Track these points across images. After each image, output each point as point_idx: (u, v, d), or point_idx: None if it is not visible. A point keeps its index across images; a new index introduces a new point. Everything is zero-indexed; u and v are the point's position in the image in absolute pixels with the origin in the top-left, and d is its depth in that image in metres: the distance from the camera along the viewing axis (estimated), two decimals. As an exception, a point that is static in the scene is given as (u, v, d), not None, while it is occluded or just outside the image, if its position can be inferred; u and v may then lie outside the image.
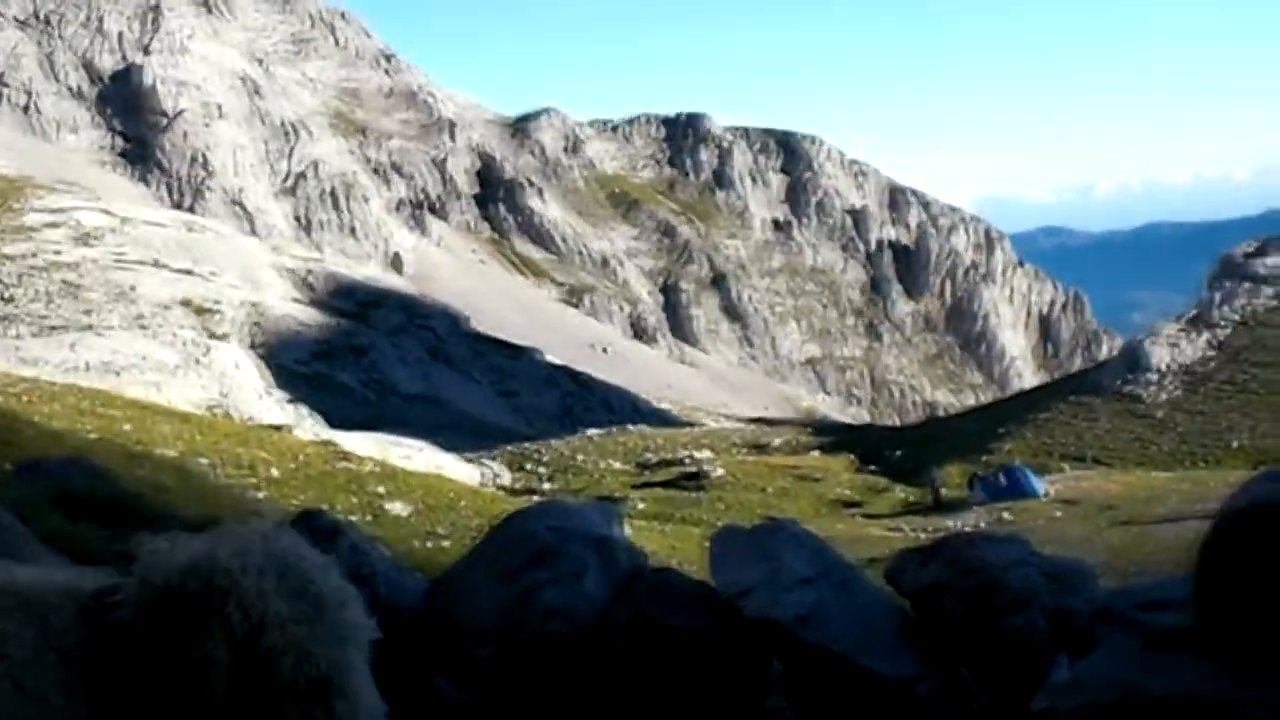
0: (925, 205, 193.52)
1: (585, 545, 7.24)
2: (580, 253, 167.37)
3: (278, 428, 45.57)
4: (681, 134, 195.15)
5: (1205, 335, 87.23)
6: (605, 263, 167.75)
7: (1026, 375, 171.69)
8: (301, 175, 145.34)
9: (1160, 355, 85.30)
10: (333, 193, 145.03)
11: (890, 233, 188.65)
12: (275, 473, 35.19)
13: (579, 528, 7.39)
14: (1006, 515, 49.12)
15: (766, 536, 7.41)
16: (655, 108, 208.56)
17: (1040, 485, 55.05)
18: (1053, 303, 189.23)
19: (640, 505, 56.66)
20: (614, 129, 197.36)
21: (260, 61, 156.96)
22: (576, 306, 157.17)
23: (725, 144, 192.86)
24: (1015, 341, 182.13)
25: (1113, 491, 54.96)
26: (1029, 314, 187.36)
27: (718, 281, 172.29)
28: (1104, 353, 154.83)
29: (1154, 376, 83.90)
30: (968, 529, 47.26)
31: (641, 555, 7.70)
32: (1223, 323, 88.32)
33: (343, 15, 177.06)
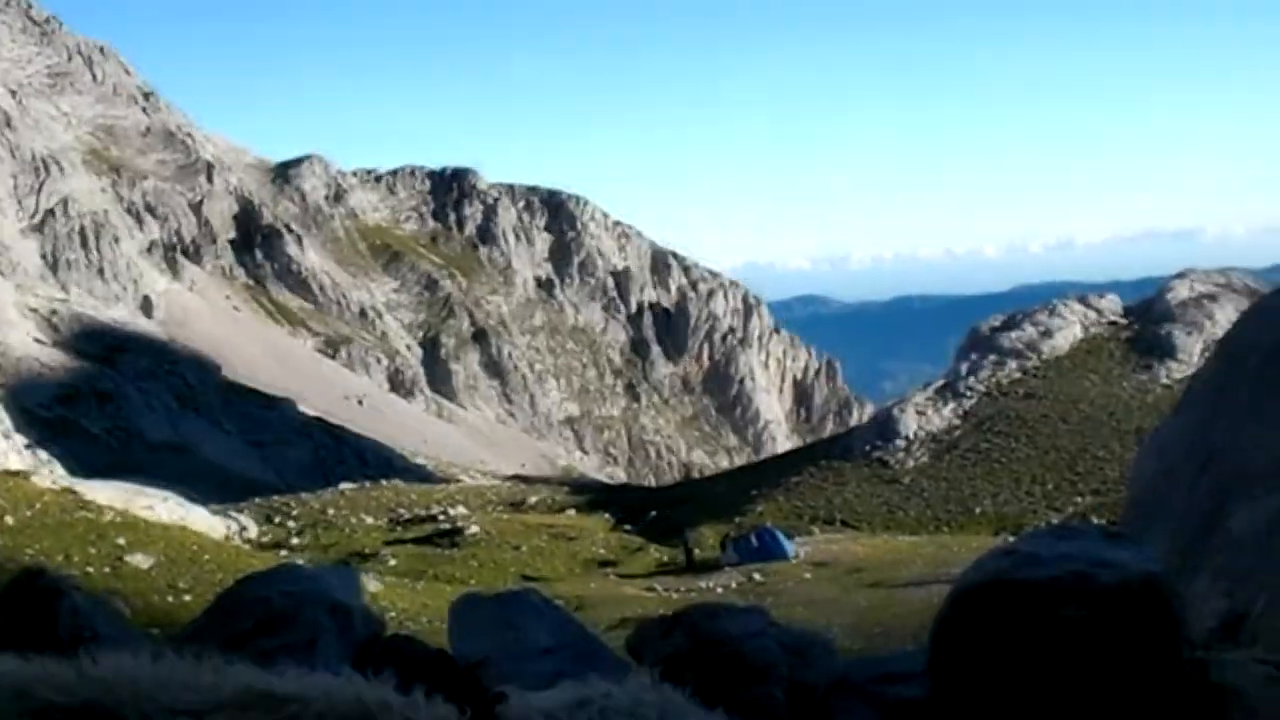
0: (687, 269, 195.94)
1: (320, 611, 6.97)
2: (339, 303, 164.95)
3: (16, 474, 43.66)
4: (448, 188, 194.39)
5: (953, 405, 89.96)
6: (365, 314, 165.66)
7: (781, 439, 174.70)
8: (51, 212, 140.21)
9: (909, 423, 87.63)
10: (83, 231, 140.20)
11: (652, 295, 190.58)
12: (11, 521, 33.76)
13: (315, 593, 7.12)
14: (758, 576, 49.67)
15: (507, 605, 7.25)
16: (422, 160, 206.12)
17: (791, 547, 55.80)
18: (808, 369, 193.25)
19: (393, 562, 55.85)
20: (379, 179, 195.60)
21: (14, 93, 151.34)
22: (334, 357, 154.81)
23: (491, 200, 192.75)
24: (771, 406, 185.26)
25: (861, 554, 56.04)
26: (785, 379, 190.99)
27: (479, 337, 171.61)
28: (856, 419, 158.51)
29: (903, 443, 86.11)
30: (720, 590, 47.69)
31: (379, 621, 7.45)
32: (969, 393, 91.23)
33: (102, 50, 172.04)
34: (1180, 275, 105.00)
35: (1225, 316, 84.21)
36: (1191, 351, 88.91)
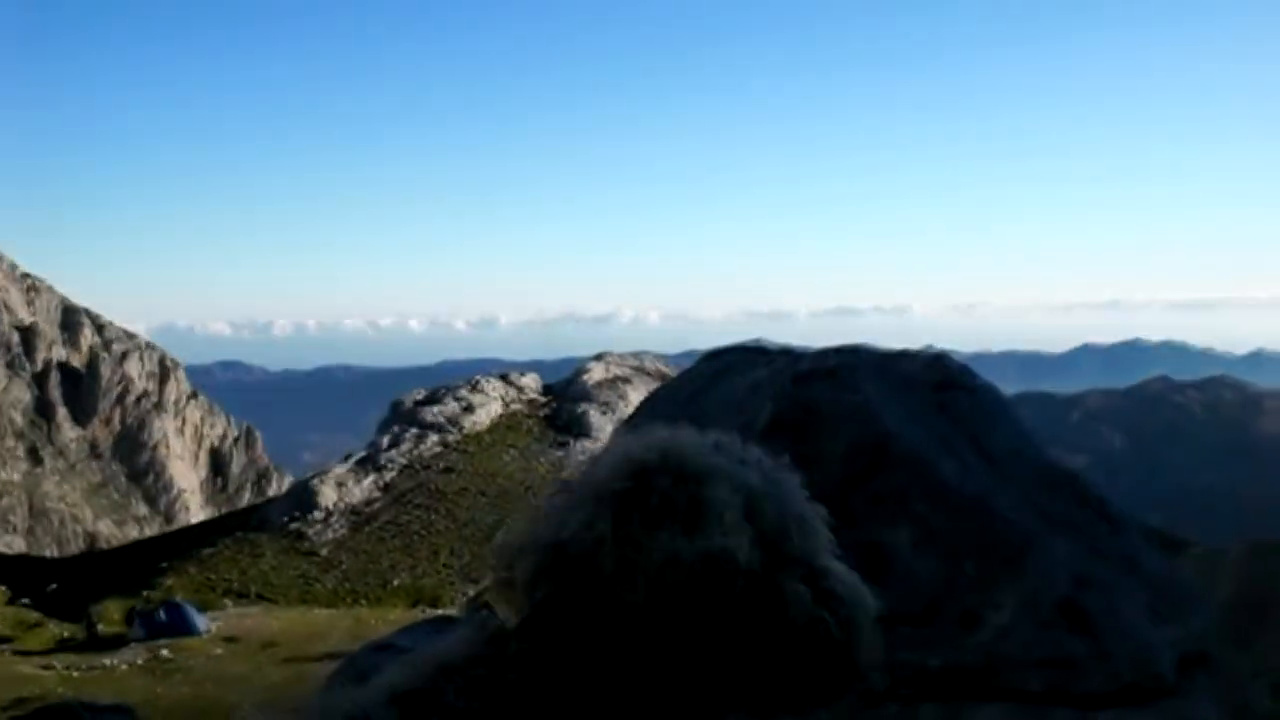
0: (100, 328, 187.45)
1: None
2: None
3: None
4: None
5: (373, 477, 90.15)
6: None
7: (195, 509, 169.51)
8: None
9: (328, 495, 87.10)
10: None
11: (61, 353, 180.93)
12: None
13: None
14: (166, 652, 47.84)
15: None
16: None
17: (202, 621, 54.12)
18: (225, 437, 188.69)
19: None
20: None
21: None
22: None
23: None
24: (185, 474, 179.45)
25: (276, 628, 55.11)
26: (201, 447, 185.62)
27: None
28: (275, 490, 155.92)
29: (321, 515, 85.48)
30: (125, 666, 45.64)
31: None
32: (390, 466, 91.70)
33: None
34: (597, 357, 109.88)
35: (637, 397, 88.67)
36: (605, 430, 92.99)
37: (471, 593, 74.75)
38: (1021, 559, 8.63)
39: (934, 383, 11.16)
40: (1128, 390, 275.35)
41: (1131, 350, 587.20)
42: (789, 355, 11.08)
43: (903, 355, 11.58)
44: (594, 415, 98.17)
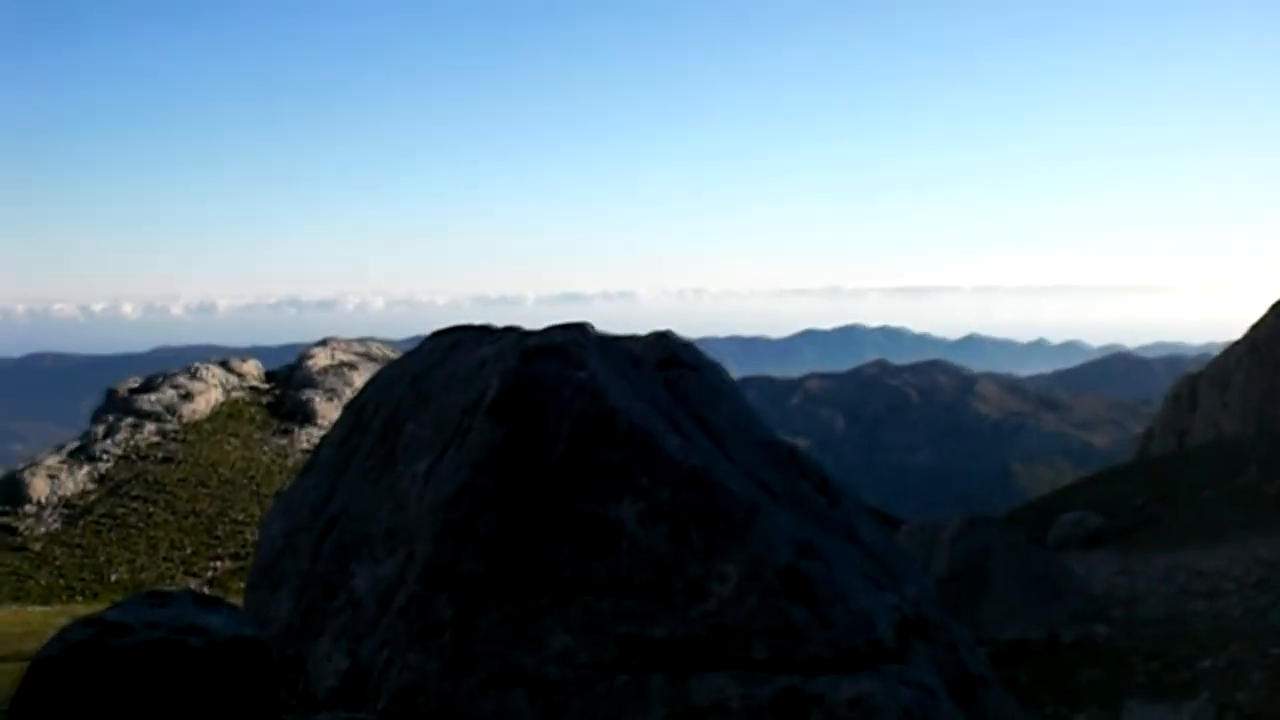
0: None
1: None
2: None
3: None
4: None
5: (87, 468, 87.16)
6: None
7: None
8: None
9: (40, 487, 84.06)
10: None
11: None
12: None
13: None
14: None
15: None
16: None
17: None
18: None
19: None
20: None
21: None
22: None
23: None
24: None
25: (-9, 628, 52.83)
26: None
27: None
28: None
29: (33, 509, 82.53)
30: None
31: None
32: (105, 456, 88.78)
33: None
34: (322, 343, 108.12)
35: (364, 383, 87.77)
36: (330, 417, 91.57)
37: (194, 585, 72.80)
38: (745, 529, 8.89)
39: (659, 360, 11.40)
40: (847, 374, 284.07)
41: (850, 335, 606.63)
42: (516, 332, 11.22)
43: (629, 336, 11.85)
44: (319, 402, 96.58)
